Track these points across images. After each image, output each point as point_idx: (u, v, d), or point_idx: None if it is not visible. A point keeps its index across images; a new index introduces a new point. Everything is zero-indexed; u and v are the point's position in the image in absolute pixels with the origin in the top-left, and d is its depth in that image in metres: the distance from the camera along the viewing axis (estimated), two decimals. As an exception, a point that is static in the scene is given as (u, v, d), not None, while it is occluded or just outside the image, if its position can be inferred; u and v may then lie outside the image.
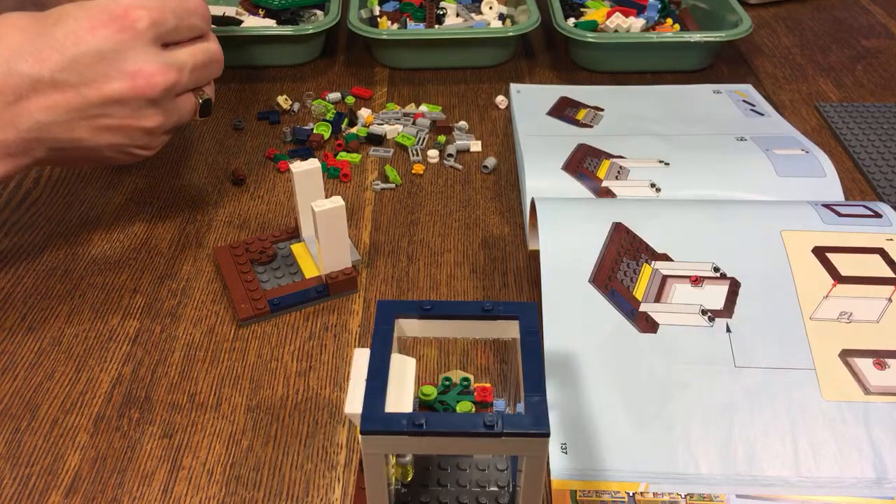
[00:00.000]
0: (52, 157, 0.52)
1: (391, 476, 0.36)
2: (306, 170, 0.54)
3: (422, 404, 0.37)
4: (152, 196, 0.65)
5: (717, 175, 0.62)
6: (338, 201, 0.51)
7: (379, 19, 0.84)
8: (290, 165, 0.54)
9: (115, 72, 0.49)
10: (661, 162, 0.63)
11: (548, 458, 0.43)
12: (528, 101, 0.74)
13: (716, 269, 0.51)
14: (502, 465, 0.38)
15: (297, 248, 0.58)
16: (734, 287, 0.50)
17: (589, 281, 0.50)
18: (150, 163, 0.69)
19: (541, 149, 0.66)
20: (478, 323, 0.37)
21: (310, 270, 0.56)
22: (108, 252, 0.59)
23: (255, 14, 0.85)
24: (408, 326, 0.37)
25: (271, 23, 0.84)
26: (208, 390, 0.49)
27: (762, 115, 0.72)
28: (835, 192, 0.61)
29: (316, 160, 0.54)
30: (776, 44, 0.89)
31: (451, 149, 0.70)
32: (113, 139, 0.52)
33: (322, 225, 0.52)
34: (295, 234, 0.59)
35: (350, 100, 0.77)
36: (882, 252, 0.51)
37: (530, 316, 0.36)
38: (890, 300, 0.49)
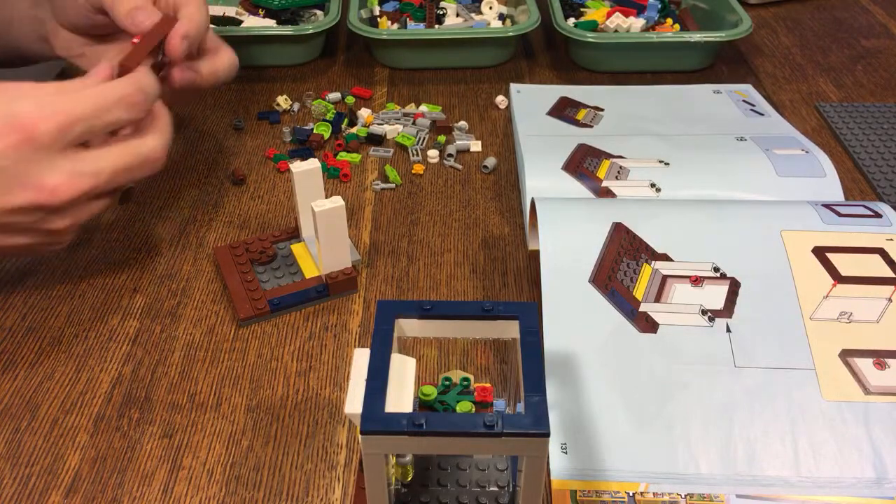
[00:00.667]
0: None
1: (391, 476, 0.36)
2: (306, 170, 0.54)
3: (422, 404, 0.37)
4: (152, 196, 0.65)
5: (717, 175, 0.62)
6: (338, 201, 0.51)
7: (379, 19, 0.84)
8: (290, 165, 0.54)
9: (18, 185, 0.46)
10: (661, 162, 0.63)
11: (548, 458, 0.43)
12: (528, 101, 0.74)
13: (716, 269, 0.51)
14: (502, 465, 0.38)
15: (297, 248, 0.58)
16: (734, 287, 0.50)
17: (589, 281, 0.50)
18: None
19: (541, 149, 0.66)
20: (478, 323, 0.37)
21: (310, 270, 0.56)
22: (108, 252, 0.59)
23: (255, 14, 0.85)
24: (408, 326, 0.37)
25: (271, 23, 0.84)
26: (208, 390, 0.49)
27: (762, 115, 0.72)
28: (835, 192, 0.61)
29: (316, 160, 0.54)
30: (776, 44, 0.89)
31: (451, 149, 0.70)
32: (20, 241, 0.49)
33: (322, 225, 0.52)
34: (295, 234, 0.59)
35: (350, 100, 0.77)
36: (882, 252, 0.51)
37: (530, 316, 0.36)
38: (890, 300, 0.49)
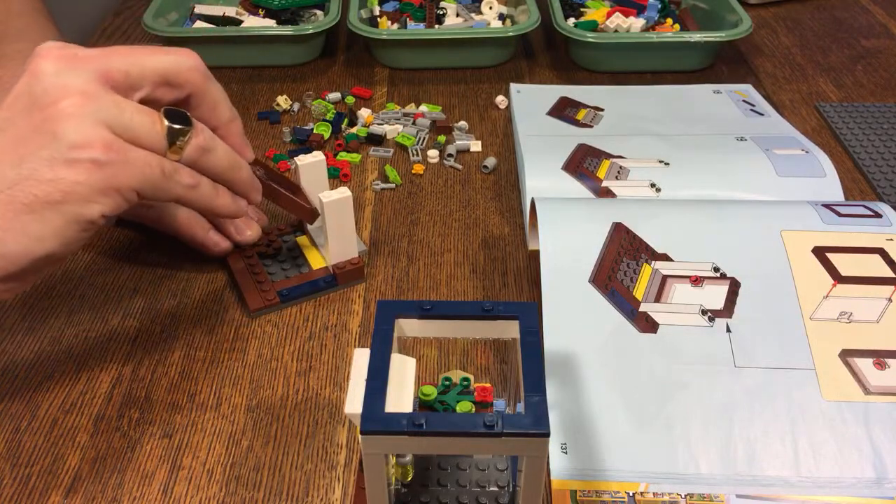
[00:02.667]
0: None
1: (391, 476, 0.36)
2: (311, 162, 0.54)
3: (422, 404, 0.37)
4: (152, 196, 0.65)
5: (717, 175, 0.62)
6: (345, 192, 0.52)
7: (379, 19, 0.84)
8: (296, 159, 0.54)
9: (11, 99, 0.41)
10: (661, 162, 0.63)
11: (548, 458, 0.43)
12: (528, 101, 0.74)
13: (716, 269, 0.51)
14: (502, 465, 0.38)
15: (301, 241, 0.58)
16: (734, 287, 0.50)
17: (589, 281, 0.50)
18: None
19: (541, 149, 0.66)
20: (478, 323, 0.37)
21: (316, 261, 0.56)
22: (108, 252, 0.59)
23: (255, 14, 0.86)
24: (408, 326, 0.37)
25: (271, 23, 0.84)
26: (208, 390, 0.49)
27: (762, 115, 0.72)
28: (835, 192, 0.61)
29: (320, 153, 0.54)
30: (776, 44, 0.89)
31: (451, 149, 0.70)
32: (39, 149, 0.40)
33: (330, 216, 0.52)
34: (299, 227, 0.59)
35: (350, 100, 0.77)
36: (882, 252, 0.51)
37: (530, 316, 0.36)
38: (890, 300, 0.49)
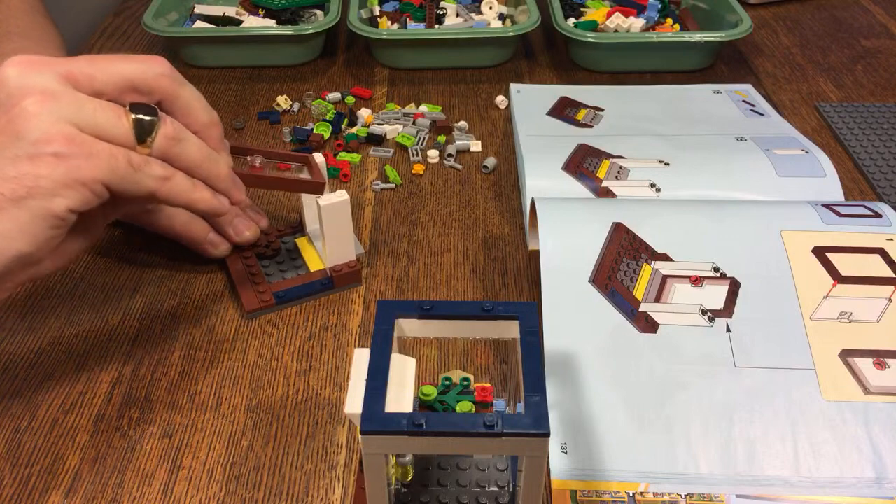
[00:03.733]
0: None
1: (391, 476, 0.36)
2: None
3: (422, 404, 0.37)
4: (152, 196, 0.65)
5: (717, 175, 0.62)
6: (343, 196, 0.52)
7: (379, 19, 0.84)
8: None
9: None
10: (661, 162, 0.63)
11: (548, 458, 0.43)
12: (528, 101, 0.74)
13: (716, 269, 0.51)
14: (502, 465, 0.38)
15: (301, 243, 0.58)
16: (734, 287, 0.50)
17: (589, 281, 0.50)
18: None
19: (541, 149, 0.66)
20: (478, 323, 0.37)
21: (314, 264, 0.56)
22: (108, 252, 0.59)
23: (255, 14, 0.86)
24: (408, 326, 0.37)
25: (271, 23, 0.84)
26: (208, 390, 0.49)
27: (762, 115, 0.72)
28: (835, 192, 0.61)
29: (320, 154, 0.54)
30: (776, 44, 0.89)
31: (451, 149, 0.70)
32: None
33: (327, 219, 0.52)
34: (298, 229, 0.59)
35: (350, 100, 0.77)
36: (882, 252, 0.51)
37: (530, 316, 0.36)
38: (890, 300, 0.49)
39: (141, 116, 0.42)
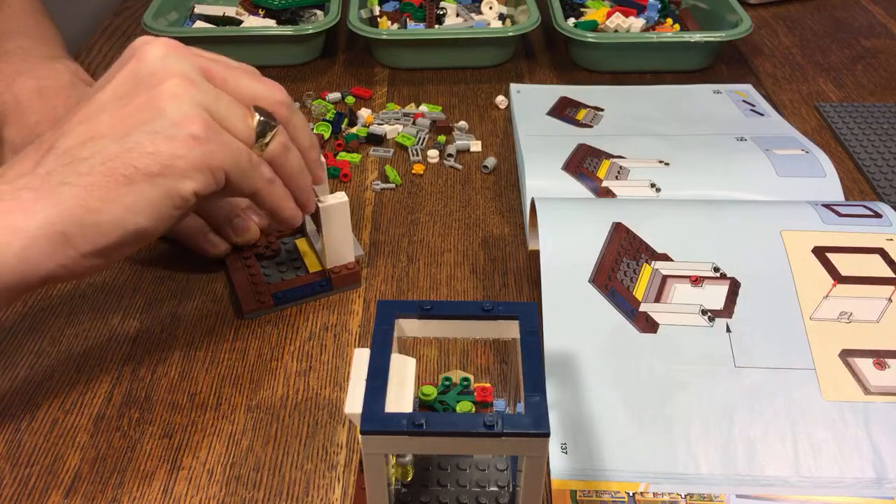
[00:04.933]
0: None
1: (391, 476, 0.36)
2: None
3: (422, 404, 0.37)
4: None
5: (717, 175, 0.62)
6: (342, 197, 0.52)
7: (379, 19, 0.84)
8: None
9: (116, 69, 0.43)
10: (661, 162, 0.63)
11: (548, 458, 0.43)
12: (528, 101, 0.74)
13: (716, 269, 0.51)
14: (502, 465, 0.38)
15: (301, 244, 0.58)
16: (734, 287, 0.50)
17: (589, 281, 0.50)
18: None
19: (541, 149, 0.66)
20: (478, 323, 0.37)
21: (313, 265, 0.56)
22: (108, 252, 0.59)
23: (255, 14, 0.86)
24: (408, 326, 0.37)
25: (271, 23, 0.84)
26: (208, 390, 0.49)
27: (762, 115, 0.72)
28: (835, 192, 0.61)
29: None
30: (776, 44, 0.89)
31: (451, 149, 0.70)
32: (144, 125, 0.41)
33: (327, 220, 0.52)
34: (298, 229, 0.59)
35: (350, 100, 0.77)
36: (882, 252, 0.51)
37: (530, 316, 0.36)
38: (890, 300, 0.49)
39: (264, 119, 0.44)
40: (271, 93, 0.46)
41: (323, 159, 0.54)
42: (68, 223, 0.40)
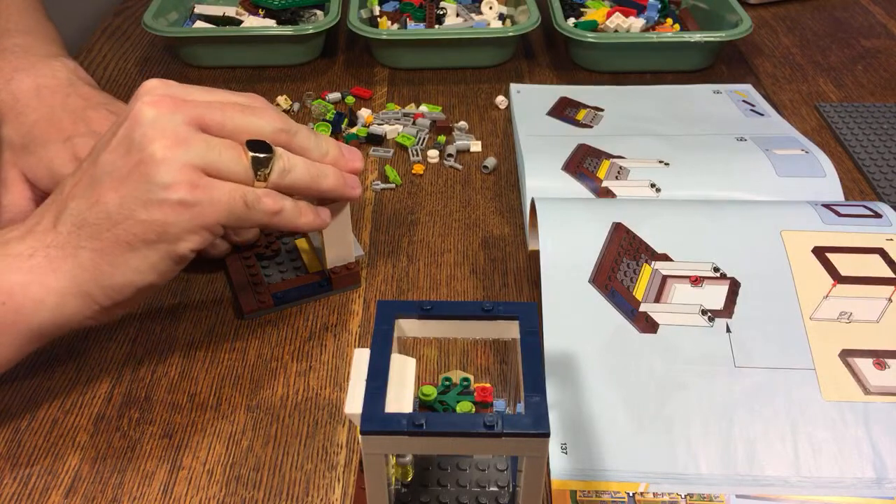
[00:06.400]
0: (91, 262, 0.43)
1: (391, 476, 0.36)
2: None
3: (422, 404, 0.37)
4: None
5: (717, 175, 0.62)
6: None
7: (379, 19, 0.84)
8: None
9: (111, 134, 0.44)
10: (661, 162, 0.63)
11: (548, 458, 0.43)
12: (528, 101, 0.74)
13: (716, 269, 0.51)
14: (502, 465, 0.38)
15: (301, 244, 0.58)
16: (734, 287, 0.50)
17: (589, 281, 0.50)
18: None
19: (541, 149, 0.66)
20: (478, 323, 0.37)
21: (313, 265, 0.56)
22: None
23: (255, 14, 0.86)
24: (408, 326, 0.37)
25: (271, 23, 0.84)
26: (208, 390, 0.49)
27: (762, 115, 0.72)
28: (835, 192, 0.61)
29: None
30: (776, 44, 0.89)
31: (451, 149, 0.70)
32: (132, 189, 0.42)
33: None
34: None
35: (350, 100, 0.77)
36: (882, 252, 0.51)
37: (530, 316, 0.36)
38: (890, 300, 0.49)
39: (258, 155, 0.45)
40: (268, 123, 0.46)
41: (353, 151, 0.52)
42: (90, 284, 0.43)
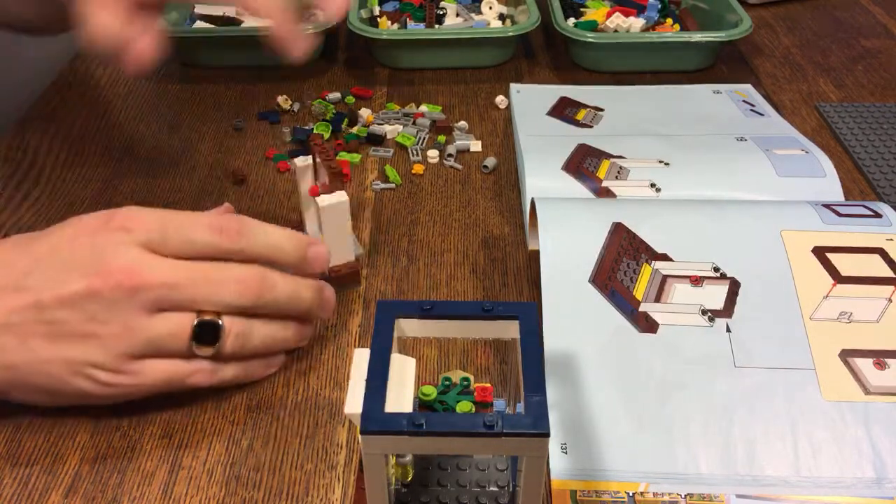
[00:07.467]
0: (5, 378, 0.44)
1: (391, 476, 0.36)
2: (309, 164, 0.54)
3: (422, 404, 0.37)
4: (152, 196, 0.65)
5: (717, 175, 0.62)
6: (342, 196, 0.52)
7: (379, 19, 0.84)
8: (294, 159, 0.54)
9: (78, 273, 0.42)
10: (661, 162, 0.63)
11: (548, 458, 0.43)
12: (528, 101, 0.74)
13: (716, 269, 0.51)
14: (502, 465, 0.38)
15: None
16: (734, 287, 0.50)
17: (589, 281, 0.50)
18: (150, 163, 0.69)
19: (541, 149, 0.66)
20: (478, 323, 0.37)
21: None
22: (108, 252, 0.59)
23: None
24: (408, 326, 0.37)
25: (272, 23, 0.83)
26: (208, 390, 0.49)
27: (762, 115, 0.72)
28: (835, 192, 0.61)
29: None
30: (776, 44, 0.89)
31: (451, 149, 0.70)
32: (68, 352, 0.43)
33: (326, 219, 0.52)
34: (299, 229, 0.59)
35: (350, 100, 0.77)
36: (882, 252, 0.51)
37: (530, 316, 0.36)
38: (890, 300, 0.49)
39: (199, 331, 0.44)
40: (233, 297, 0.45)
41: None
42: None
